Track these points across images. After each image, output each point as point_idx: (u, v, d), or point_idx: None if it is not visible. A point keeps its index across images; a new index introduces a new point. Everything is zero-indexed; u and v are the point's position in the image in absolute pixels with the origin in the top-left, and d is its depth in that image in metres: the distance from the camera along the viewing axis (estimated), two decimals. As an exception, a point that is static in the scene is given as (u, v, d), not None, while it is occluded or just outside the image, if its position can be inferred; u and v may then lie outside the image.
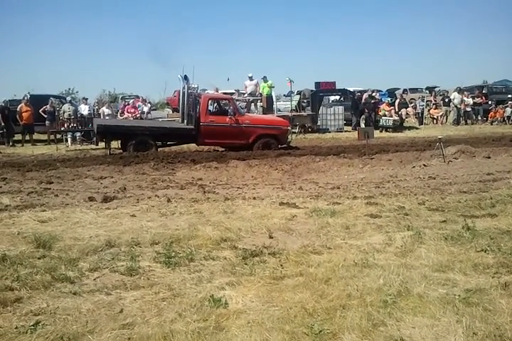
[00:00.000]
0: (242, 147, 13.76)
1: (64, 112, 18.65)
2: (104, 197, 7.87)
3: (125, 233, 5.78)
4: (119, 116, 20.29)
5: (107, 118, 18.32)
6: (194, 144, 14.93)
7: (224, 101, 15.12)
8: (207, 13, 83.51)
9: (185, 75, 14.90)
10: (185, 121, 14.17)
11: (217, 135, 13.65)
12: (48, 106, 19.16)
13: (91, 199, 7.82)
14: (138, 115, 19.85)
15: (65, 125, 18.17)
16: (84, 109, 19.50)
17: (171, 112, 24.02)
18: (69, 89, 39.53)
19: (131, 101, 22.35)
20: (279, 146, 14.36)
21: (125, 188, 8.77)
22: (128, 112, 19.93)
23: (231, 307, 3.86)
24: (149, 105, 22.76)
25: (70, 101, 20.87)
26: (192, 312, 3.75)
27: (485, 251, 4.97)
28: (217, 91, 22.73)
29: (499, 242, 5.22)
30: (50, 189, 8.78)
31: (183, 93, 14.99)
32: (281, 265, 4.72)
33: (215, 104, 14.91)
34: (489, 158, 11.95)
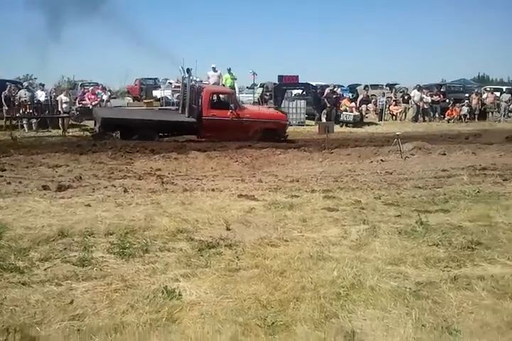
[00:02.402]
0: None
1: (20, 98, 18.06)
2: (59, 185, 7.67)
3: (79, 223, 5.64)
4: (77, 103, 19.80)
5: (64, 106, 17.83)
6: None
7: (225, 95, 15.13)
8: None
9: (188, 68, 14.85)
10: (187, 113, 14.17)
11: (218, 129, 13.71)
12: (6, 91, 18.48)
13: (45, 187, 7.60)
14: (97, 102, 19.46)
15: (21, 111, 17.63)
16: (40, 95, 18.95)
17: (131, 101, 23.65)
18: (27, 75, 38.25)
19: (90, 88, 21.85)
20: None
21: (81, 177, 8.57)
22: (89, 99, 19.54)
23: (185, 298, 3.83)
24: (109, 93, 22.33)
25: (27, 87, 20.21)
26: (144, 303, 3.71)
27: (436, 246, 5.09)
28: (178, 81, 22.51)
29: (450, 237, 5.35)
30: (2, 176, 8.49)
31: (185, 85, 15.00)
32: (237, 257, 4.71)
33: (217, 98, 14.86)
34: (444, 154, 12.25)
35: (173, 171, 9.84)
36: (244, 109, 15.05)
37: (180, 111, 15.13)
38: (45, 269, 4.34)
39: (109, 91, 24.29)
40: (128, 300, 3.75)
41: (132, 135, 13.51)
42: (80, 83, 30.45)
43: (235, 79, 20.88)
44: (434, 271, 4.45)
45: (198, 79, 14.63)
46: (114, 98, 26.73)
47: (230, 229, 5.57)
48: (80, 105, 19.61)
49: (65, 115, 17.66)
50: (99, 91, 20.82)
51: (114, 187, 7.82)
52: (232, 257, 4.70)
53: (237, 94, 20.83)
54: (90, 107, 19.21)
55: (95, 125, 15.23)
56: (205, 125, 13.74)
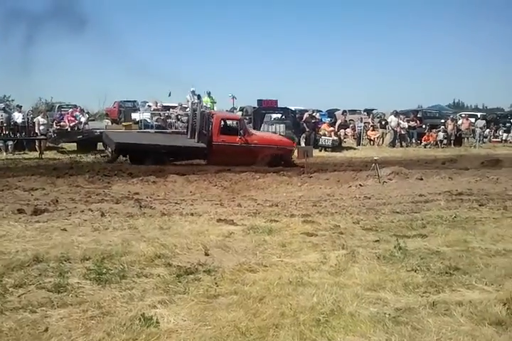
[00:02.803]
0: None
1: (-4, 119, 17.88)
2: (34, 209, 7.53)
3: (54, 248, 5.53)
4: (54, 125, 19.65)
5: (42, 128, 17.67)
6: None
7: (235, 121, 15.34)
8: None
9: (199, 95, 15.25)
10: (196, 138, 14.33)
11: (227, 154, 13.82)
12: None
13: (20, 211, 7.45)
14: (75, 124, 19.38)
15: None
16: (17, 117, 18.78)
17: (110, 123, 23.54)
18: (4, 96, 37.90)
19: (70, 110, 21.73)
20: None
21: (57, 201, 8.43)
22: (68, 121, 19.44)
23: (162, 326, 3.76)
24: (87, 115, 22.24)
25: (4, 109, 20.04)
26: (121, 331, 3.62)
27: (415, 271, 5.10)
28: (157, 104, 22.56)
29: (428, 262, 5.38)
30: (-25, 200, 8.33)
31: (194, 110, 15.31)
32: (216, 283, 4.65)
33: (226, 124, 15.04)
34: (422, 179, 12.40)
35: (151, 195, 9.76)
36: (253, 134, 15.22)
37: (189, 136, 15.24)
38: (19, 296, 4.22)
39: (87, 113, 24.18)
40: (104, 328, 3.66)
41: (143, 159, 13.60)
42: (58, 105, 30.27)
43: (215, 102, 21.05)
44: (412, 296, 4.45)
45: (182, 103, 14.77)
46: (93, 120, 26.60)
47: (208, 255, 5.52)
48: (58, 127, 19.47)
49: (42, 137, 17.52)
50: (77, 113, 20.73)
51: (91, 211, 7.71)
52: (210, 283, 4.64)
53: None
54: (68, 129, 19.11)
55: (106, 149, 15.50)
56: (215, 151, 13.93)
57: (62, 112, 22.62)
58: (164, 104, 23.30)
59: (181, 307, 4.09)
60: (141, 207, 8.23)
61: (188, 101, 21.00)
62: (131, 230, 6.55)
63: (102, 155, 16.01)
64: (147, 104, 26.49)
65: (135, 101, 31.28)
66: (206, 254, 5.53)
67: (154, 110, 22.48)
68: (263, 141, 14.88)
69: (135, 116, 21.70)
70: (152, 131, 19.12)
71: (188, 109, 21.01)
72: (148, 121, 20.85)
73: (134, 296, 4.30)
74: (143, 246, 5.66)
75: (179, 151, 14.14)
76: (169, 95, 22.93)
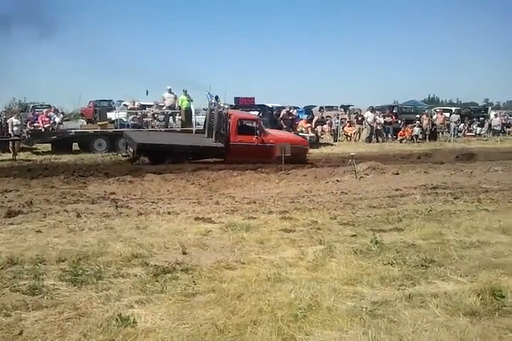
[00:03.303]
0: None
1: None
2: (8, 211, 7.41)
3: (29, 250, 5.46)
4: (28, 126, 19.33)
5: (15, 128, 17.38)
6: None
7: (251, 121, 15.63)
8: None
9: (216, 96, 16.05)
10: (214, 138, 14.59)
11: (244, 153, 14.14)
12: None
13: (-7, 213, 7.32)
14: (49, 125, 19.10)
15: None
16: (-10, 118, 18.45)
17: (85, 123, 23.25)
18: (-24, 97, 37.17)
19: (44, 110, 21.40)
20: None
21: (31, 202, 8.30)
22: (42, 121, 19.15)
23: (139, 326, 3.73)
24: (61, 115, 21.93)
25: (-24, 110, 19.66)
26: (98, 332, 3.59)
27: (391, 264, 5.16)
28: (134, 103, 22.35)
29: (404, 255, 5.44)
30: None
31: (211, 110, 15.62)
32: (194, 281, 4.63)
33: (243, 124, 15.28)
34: (398, 174, 12.55)
35: (127, 194, 9.67)
36: (269, 134, 15.45)
37: (206, 136, 15.51)
38: (-8, 299, 4.16)
39: (62, 113, 23.84)
40: (80, 329, 3.62)
41: (164, 159, 13.81)
42: (32, 105, 29.82)
43: (191, 100, 20.89)
44: (389, 289, 4.50)
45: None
46: (67, 120, 26.25)
47: (186, 253, 5.49)
48: (32, 128, 19.17)
49: (15, 138, 17.23)
50: (52, 113, 20.43)
51: (67, 212, 7.61)
52: (188, 282, 4.62)
53: (193, 116, 20.87)
54: (42, 130, 18.82)
55: (126, 148, 15.59)
56: (232, 150, 14.23)
57: (36, 112, 22.26)
58: (141, 103, 23.11)
59: (159, 307, 4.07)
60: (117, 206, 8.16)
61: (164, 99, 20.84)
62: (108, 230, 6.48)
63: (123, 154, 16.02)
64: (123, 103, 26.27)
65: (110, 100, 30.98)
66: (184, 253, 5.50)
67: (131, 109, 22.28)
68: (278, 141, 15.00)
69: (110, 115, 21.43)
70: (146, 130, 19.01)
71: (164, 108, 20.89)
72: (124, 120, 20.65)
73: (110, 297, 4.26)
74: (119, 246, 5.61)
75: (198, 151, 14.40)
76: (147, 94, 22.73)
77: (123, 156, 15.79)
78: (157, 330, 3.66)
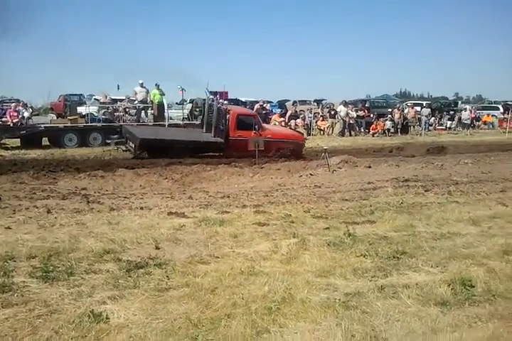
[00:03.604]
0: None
1: None
2: (-25, 208, 7.23)
3: (-2, 247, 5.33)
4: (-4, 120, 18.91)
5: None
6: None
7: (250, 117, 15.81)
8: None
9: (216, 92, 16.04)
10: (213, 133, 14.86)
11: (243, 148, 14.18)
12: None
13: (-39, 210, 7.14)
14: (18, 120, 18.71)
15: None
16: (-44, 113, 17.96)
17: (55, 118, 22.83)
18: None
19: (13, 105, 20.92)
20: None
21: (0, 198, 8.11)
22: (11, 116, 18.73)
23: (112, 321, 3.70)
24: (30, 110, 21.49)
25: None
26: (70, 328, 3.54)
27: (364, 256, 5.22)
28: (106, 97, 22.03)
29: (377, 247, 5.51)
30: None
31: (209, 106, 15.79)
32: (167, 276, 4.60)
33: (242, 119, 15.45)
34: (370, 167, 12.68)
35: (99, 190, 9.52)
36: (266, 129, 15.74)
37: (204, 130, 15.72)
38: (-40, 298, 4.06)
39: (31, 108, 23.37)
40: (52, 326, 3.57)
41: (164, 153, 13.85)
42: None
43: (163, 94, 20.70)
44: (362, 281, 4.55)
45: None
46: (37, 115, 25.74)
47: (159, 248, 5.45)
48: (0, 123, 18.73)
49: (-17, 133, 16.82)
50: (20, 108, 19.99)
51: (37, 208, 7.46)
52: (161, 277, 4.59)
53: (165, 110, 20.69)
54: (11, 125, 18.42)
55: (126, 143, 15.64)
56: (232, 145, 14.51)
57: (4, 107, 21.72)
58: (112, 97, 22.79)
59: (132, 302, 4.03)
60: (88, 202, 8.03)
61: (136, 93, 20.58)
62: (79, 226, 6.38)
63: (124, 149, 15.89)
64: (94, 97, 25.88)
65: (81, 94, 30.49)
66: (157, 248, 5.45)
67: (102, 103, 21.96)
68: (276, 136, 15.44)
69: (81, 109, 21.09)
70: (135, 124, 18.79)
71: (136, 102, 20.64)
72: (95, 114, 20.34)
73: (82, 293, 4.21)
74: (91, 242, 5.53)
75: (198, 146, 14.62)
76: (118, 88, 22.43)
77: (123, 151, 15.75)
78: (130, 326, 3.63)
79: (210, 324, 3.64)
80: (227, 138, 14.79)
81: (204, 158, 14.17)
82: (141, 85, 20.67)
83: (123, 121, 19.59)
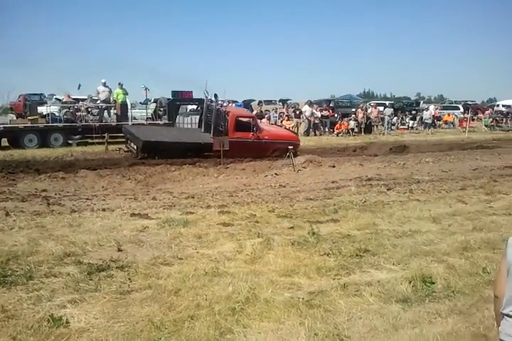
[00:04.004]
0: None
1: None
2: None
3: (-47, 251, 5.16)
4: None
5: None
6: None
7: (248, 119, 15.99)
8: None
9: (215, 94, 15.98)
10: (212, 134, 14.90)
11: (242, 149, 14.45)
12: None
13: None
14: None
15: None
16: None
17: (14, 118, 22.21)
18: None
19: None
20: None
21: (-44, 201, 7.85)
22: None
23: (72, 326, 3.63)
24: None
25: None
26: (28, 334, 3.46)
27: (327, 255, 5.27)
28: (69, 97, 21.57)
29: (340, 246, 5.56)
30: None
31: (208, 107, 15.97)
32: (129, 278, 4.54)
33: (240, 121, 15.60)
34: (334, 167, 12.81)
35: (60, 191, 9.31)
36: (263, 130, 15.86)
37: (203, 130, 15.78)
38: None
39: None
40: (10, 332, 3.49)
41: (166, 155, 13.86)
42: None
43: (127, 94, 20.38)
44: (325, 279, 4.59)
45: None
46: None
47: (121, 250, 5.37)
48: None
49: None
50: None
51: (-6, 210, 7.24)
52: (123, 279, 4.52)
53: (129, 110, 20.39)
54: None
55: (127, 143, 15.66)
56: (231, 146, 14.31)
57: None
58: (73, 97, 22.30)
59: (93, 306, 3.96)
60: (49, 204, 7.84)
61: (98, 93, 20.20)
62: (39, 229, 6.23)
63: (125, 150, 15.76)
64: (55, 97, 25.28)
65: (42, 94, 29.76)
66: (119, 250, 5.38)
67: (63, 103, 21.47)
68: (273, 137, 15.65)
69: (42, 109, 20.57)
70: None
71: (98, 101, 20.27)
72: (56, 114, 19.88)
73: (41, 297, 4.12)
74: (51, 245, 5.42)
75: (199, 147, 14.65)
76: (79, 88, 21.95)
77: (125, 152, 15.67)
78: (91, 330, 3.58)
79: (173, 326, 3.61)
80: None
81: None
82: (104, 84, 20.30)
83: (85, 121, 19.22)
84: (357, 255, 5.25)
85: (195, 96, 21.87)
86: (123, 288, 4.31)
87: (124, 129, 16.69)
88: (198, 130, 16.75)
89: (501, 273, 2.20)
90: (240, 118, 15.68)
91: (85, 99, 21.06)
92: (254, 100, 37.06)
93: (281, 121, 25.72)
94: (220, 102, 16.96)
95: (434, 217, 7.01)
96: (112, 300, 4.06)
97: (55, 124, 18.27)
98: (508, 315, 2.11)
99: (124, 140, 16.71)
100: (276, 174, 11.73)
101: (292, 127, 25.19)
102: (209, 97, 16.38)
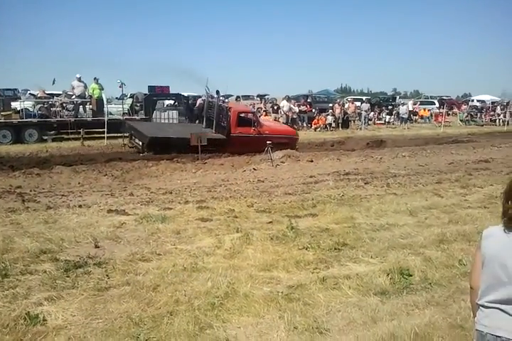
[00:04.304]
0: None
1: None
2: None
3: None
4: None
5: None
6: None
7: (249, 114, 16.50)
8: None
9: (218, 90, 16.62)
10: (214, 130, 15.49)
11: (243, 143, 14.91)
12: None
13: None
14: None
15: None
16: None
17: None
18: None
19: None
20: None
21: None
22: None
23: (50, 323, 3.59)
24: None
25: None
26: (4, 333, 3.41)
27: (306, 249, 5.29)
28: (44, 92, 21.19)
29: (319, 240, 5.59)
30: None
31: (209, 103, 16.53)
32: (107, 275, 4.50)
33: (242, 117, 16.06)
34: (312, 161, 12.88)
35: (35, 188, 9.15)
36: (264, 125, 16.35)
37: (204, 126, 16.35)
38: None
39: None
40: (-16, 331, 3.41)
41: (171, 150, 14.09)
42: None
43: (102, 89, 20.10)
44: (304, 273, 4.61)
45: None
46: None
47: (98, 247, 5.31)
48: None
49: None
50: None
51: (-34, 208, 7.09)
52: (101, 276, 4.48)
53: (105, 105, 20.12)
54: None
55: (131, 139, 15.96)
56: (233, 141, 15.04)
57: None
58: (48, 92, 21.90)
59: (70, 303, 3.92)
60: (24, 201, 7.72)
61: (73, 88, 19.88)
62: (14, 226, 6.13)
63: (130, 146, 15.97)
64: (29, 92, 24.83)
65: (15, 89, 29.19)
66: (96, 246, 5.32)
67: (38, 98, 21.07)
68: (272, 131, 16.06)
69: (15, 104, 20.17)
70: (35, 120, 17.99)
71: (73, 97, 19.96)
72: (31, 110, 19.52)
73: (17, 295, 4.06)
74: (26, 242, 5.33)
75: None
76: (53, 83, 21.55)
77: (130, 147, 15.89)
78: (69, 327, 3.54)
79: (152, 322, 3.58)
80: (228, 134, 15.37)
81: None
82: (79, 79, 19.97)
83: (60, 117, 18.91)
84: (335, 248, 5.28)
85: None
86: (101, 285, 4.27)
87: (127, 125, 16.78)
88: (199, 126, 17.01)
89: (476, 265, 2.23)
90: (241, 114, 16.11)
91: (60, 95, 20.70)
92: (232, 95, 36.93)
93: (259, 116, 25.71)
94: (221, 98, 17.34)
95: (411, 210, 7.09)
96: (90, 297, 4.01)
97: (29, 120, 17.95)
98: (483, 306, 2.14)
99: (124, 136, 16.89)
100: (254, 169, 11.74)
101: (270, 122, 25.20)
102: (209, 93, 16.86)
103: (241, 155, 14.09)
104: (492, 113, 33.88)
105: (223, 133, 15.50)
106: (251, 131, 15.40)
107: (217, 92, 16.61)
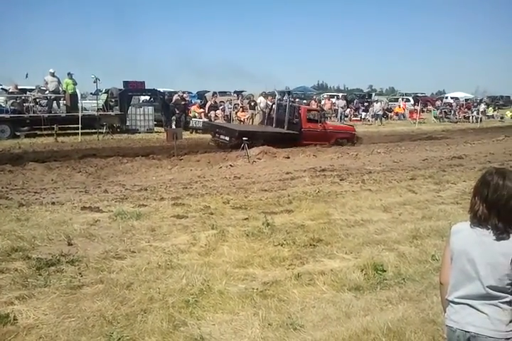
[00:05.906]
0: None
1: None
2: None
3: None
4: None
5: None
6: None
7: (315, 112, 18.88)
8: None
9: (289, 91, 19.41)
10: (285, 127, 17.12)
11: (312, 137, 16.84)
12: None
13: None
14: None
15: None
16: None
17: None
18: None
19: None
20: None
21: None
22: None
23: (21, 322, 3.54)
24: None
25: None
26: (-27, 334, 3.32)
27: (281, 245, 5.30)
28: (16, 87, 20.77)
29: (294, 236, 5.61)
30: None
31: (279, 103, 18.57)
32: (80, 273, 4.44)
33: (310, 114, 18.10)
34: (288, 158, 12.92)
35: (7, 185, 8.96)
36: (327, 123, 18.65)
37: (274, 126, 17.92)
38: None
39: None
40: (-47, 333, 3.34)
41: (255, 142, 14.71)
42: None
43: (76, 84, 19.79)
44: (279, 269, 4.62)
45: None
46: None
47: (71, 244, 5.24)
48: None
49: None
50: None
51: None
52: (74, 274, 4.42)
53: (79, 101, 19.82)
54: None
55: (214, 136, 17.17)
56: (304, 135, 16.90)
57: None
58: (21, 87, 21.46)
59: (42, 301, 3.86)
60: (-5, 198, 7.56)
61: (46, 83, 19.52)
62: (-16, 224, 5.99)
63: (209, 142, 16.98)
64: (0, 87, 24.33)
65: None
66: (69, 244, 5.24)
67: (10, 93, 20.64)
68: (335, 128, 18.61)
69: (-13, 100, 19.79)
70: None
71: (47, 92, 19.61)
72: (3, 105, 19.13)
73: (-13, 295, 3.97)
74: (-3, 240, 5.22)
75: (280, 136, 16.54)
76: (26, 77, 21.13)
77: (209, 143, 16.92)
78: (40, 326, 3.49)
79: (126, 320, 3.56)
80: (300, 129, 17.02)
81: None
82: (53, 74, 19.60)
83: (33, 112, 18.56)
84: (310, 245, 5.31)
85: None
86: (73, 283, 4.21)
87: (209, 126, 18.99)
88: (269, 127, 18.38)
89: (445, 261, 2.27)
90: (309, 112, 18.27)
91: (33, 90, 20.32)
92: (208, 91, 36.76)
93: (236, 113, 25.65)
94: (291, 99, 19.31)
95: (385, 206, 7.17)
96: (62, 296, 3.96)
97: (1, 115, 17.57)
98: (453, 302, 2.17)
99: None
100: (231, 165, 11.71)
101: (247, 118, 25.19)
102: (278, 96, 19.80)
103: (217, 152, 14.08)
104: (466, 110, 34.49)
105: (296, 129, 17.17)
106: (318, 126, 17.30)
107: (289, 92, 19.06)
